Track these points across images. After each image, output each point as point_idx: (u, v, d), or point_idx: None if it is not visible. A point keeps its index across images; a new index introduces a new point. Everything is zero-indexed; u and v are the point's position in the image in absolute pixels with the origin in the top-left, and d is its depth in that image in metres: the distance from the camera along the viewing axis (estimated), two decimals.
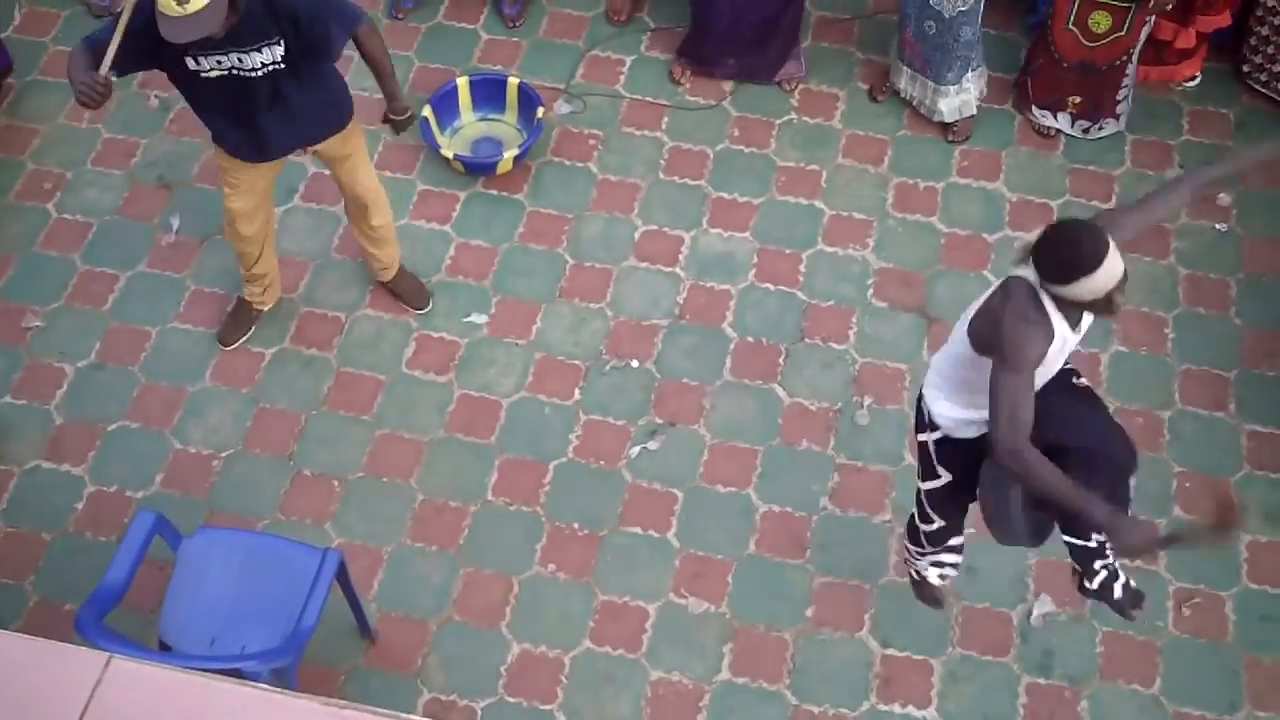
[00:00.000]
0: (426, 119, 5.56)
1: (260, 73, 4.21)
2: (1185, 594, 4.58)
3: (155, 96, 5.85)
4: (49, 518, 4.78)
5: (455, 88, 5.70)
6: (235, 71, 4.19)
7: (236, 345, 5.14)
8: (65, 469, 4.89)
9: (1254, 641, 4.50)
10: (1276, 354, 5.10)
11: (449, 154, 5.49)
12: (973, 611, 4.55)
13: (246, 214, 4.76)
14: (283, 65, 4.21)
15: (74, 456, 4.91)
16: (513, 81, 5.69)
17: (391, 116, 4.67)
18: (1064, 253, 3.26)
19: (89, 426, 4.98)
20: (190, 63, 4.14)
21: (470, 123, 5.75)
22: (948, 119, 5.64)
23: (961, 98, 5.58)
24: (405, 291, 5.25)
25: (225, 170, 4.68)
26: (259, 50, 4.14)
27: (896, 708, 4.38)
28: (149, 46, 4.02)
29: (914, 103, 5.72)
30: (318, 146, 4.63)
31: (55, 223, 5.51)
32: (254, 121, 4.41)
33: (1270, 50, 5.54)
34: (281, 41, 4.14)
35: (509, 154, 5.49)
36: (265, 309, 5.17)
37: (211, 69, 4.17)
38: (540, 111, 5.59)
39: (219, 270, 5.35)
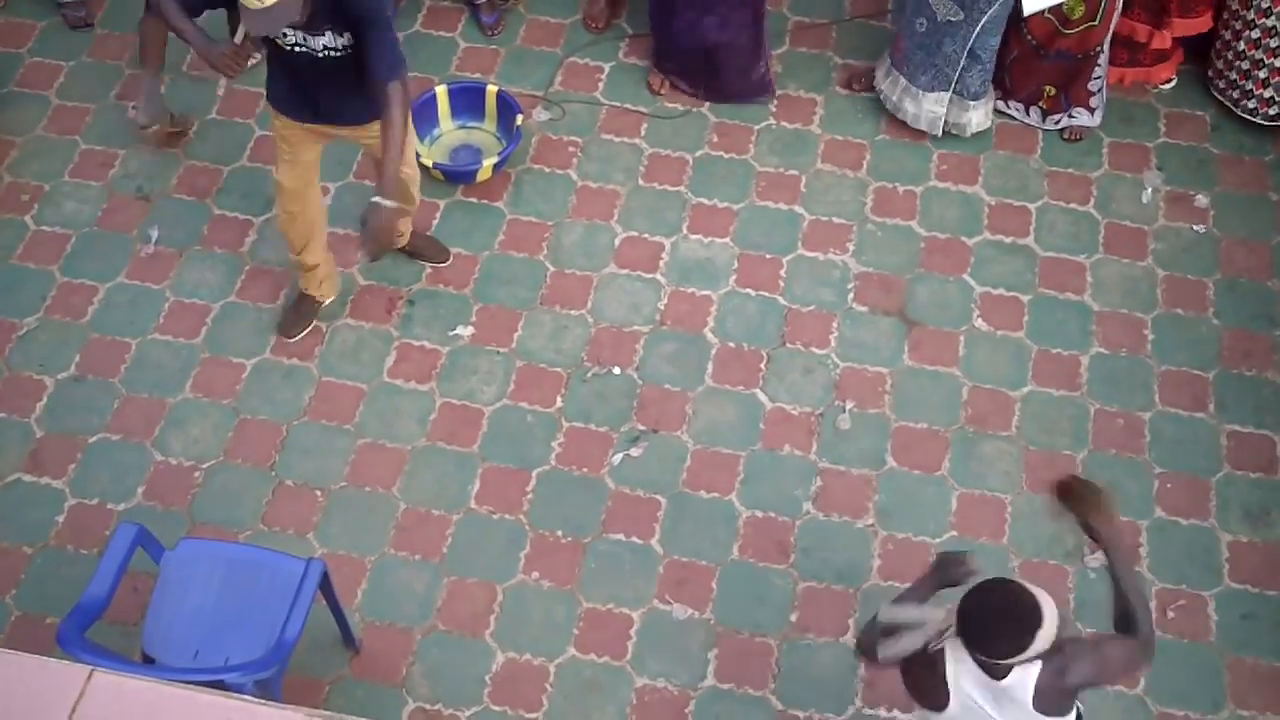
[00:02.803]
0: None
1: (323, 54, 4.30)
2: (1169, 596, 4.60)
3: (134, 108, 5.82)
4: (30, 531, 4.75)
5: (434, 96, 5.70)
6: (299, 48, 4.29)
7: (298, 338, 5.18)
8: (46, 482, 4.87)
9: (1236, 641, 4.52)
10: (1254, 354, 5.12)
11: (428, 162, 5.48)
12: None
13: (295, 192, 4.79)
14: (339, 54, 4.31)
15: (55, 469, 4.89)
16: (491, 89, 5.69)
17: (377, 201, 4.30)
18: (992, 629, 3.05)
19: (69, 439, 4.96)
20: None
21: (449, 131, 5.74)
22: (911, 123, 5.66)
23: (930, 108, 5.58)
24: (426, 248, 5.36)
25: (278, 135, 4.72)
26: (323, 34, 4.26)
27: (882, 712, 4.38)
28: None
29: (884, 101, 5.73)
30: (367, 127, 4.60)
31: (33, 235, 5.49)
32: (312, 87, 4.48)
33: (1230, 56, 5.56)
34: (346, 32, 4.25)
35: (488, 162, 5.49)
36: (327, 301, 5.21)
37: (281, 37, 4.28)
38: (519, 119, 5.59)
39: (198, 282, 5.34)
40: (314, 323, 5.20)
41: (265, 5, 3.97)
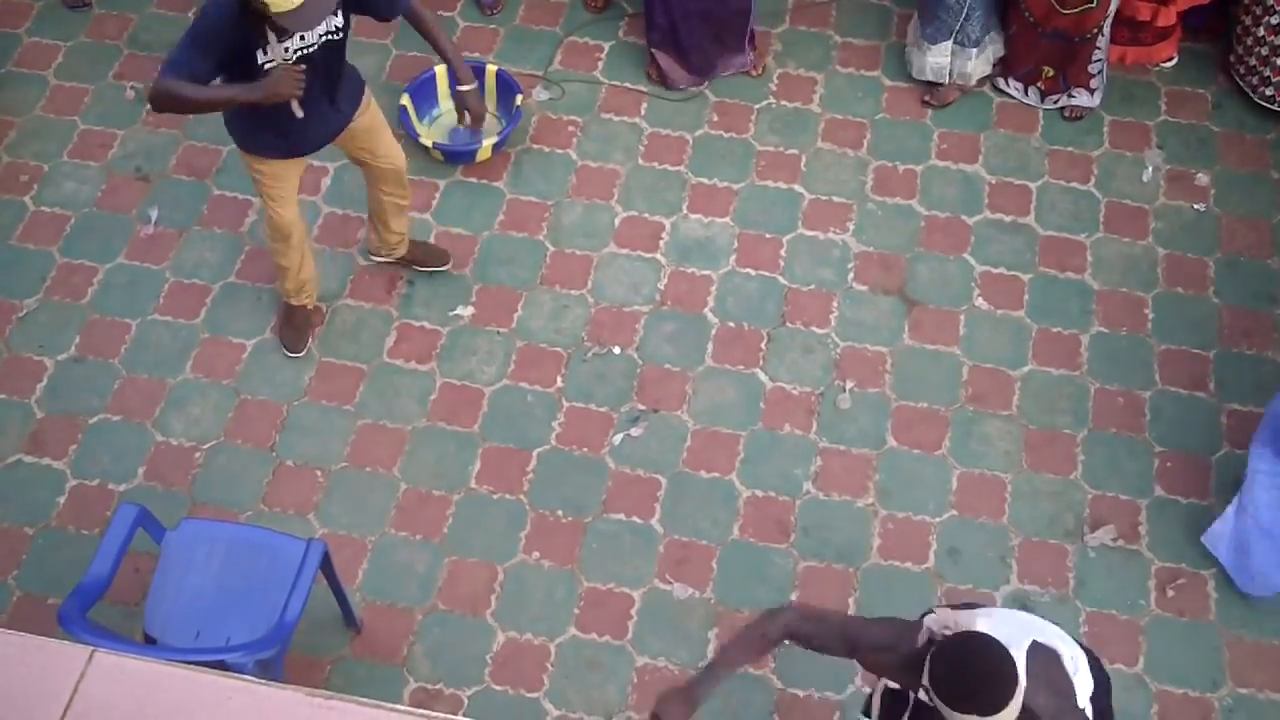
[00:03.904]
0: (404, 108, 5.55)
1: (316, 47, 4.17)
2: (1169, 574, 4.60)
3: (131, 88, 5.82)
4: (31, 512, 4.76)
5: (433, 76, 5.68)
6: (297, 51, 4.14)
7: (308, 349, 5.12)
8: (46, 463, 4.87)
9: (1236, 620, 4.52)
10: (1255, 332, 5.12)
11: (428, 142, 5.48)
12: (956, 593, 4.56)
13: (294, 220, 4.74)
14: (338, 35, 4.22)
15: (55, 450, 4.89)
16: (491, 69, 5.67)
17: (461, 89, 4.57)
18: (966, 684, 2.86)
19: (70, 420, 4.96)
20: (260, 55, 4.09)
21: (449, 111, 5.72)
22: (916, 74, 5.70)
23: (934, 59, 5.60)
24: (426, 256, 5.29)
25: (265, 181, 4.60)
26: (336, 14, 4.17)
27: None
28: (224, 48, 4.02)
29: (906, 58, 5.79)
30: (352, 125, 4.58)
31: (33, 215, 5.49)
32: (330, 81, 4.37)
33: (1250, 42, 5.54)
34: (340, 10, 4.17)
35: (488, 142, 5.48)
36: (312, 303, 5.14)
37: (273, 58, 4.11)
38: (519, 99, 5.58)
39: (198, 262, 5.34)
40: (316, 328, 5.17)
41: (295, 4, 3.85)
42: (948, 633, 3.08)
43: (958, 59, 5.60)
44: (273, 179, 4.60)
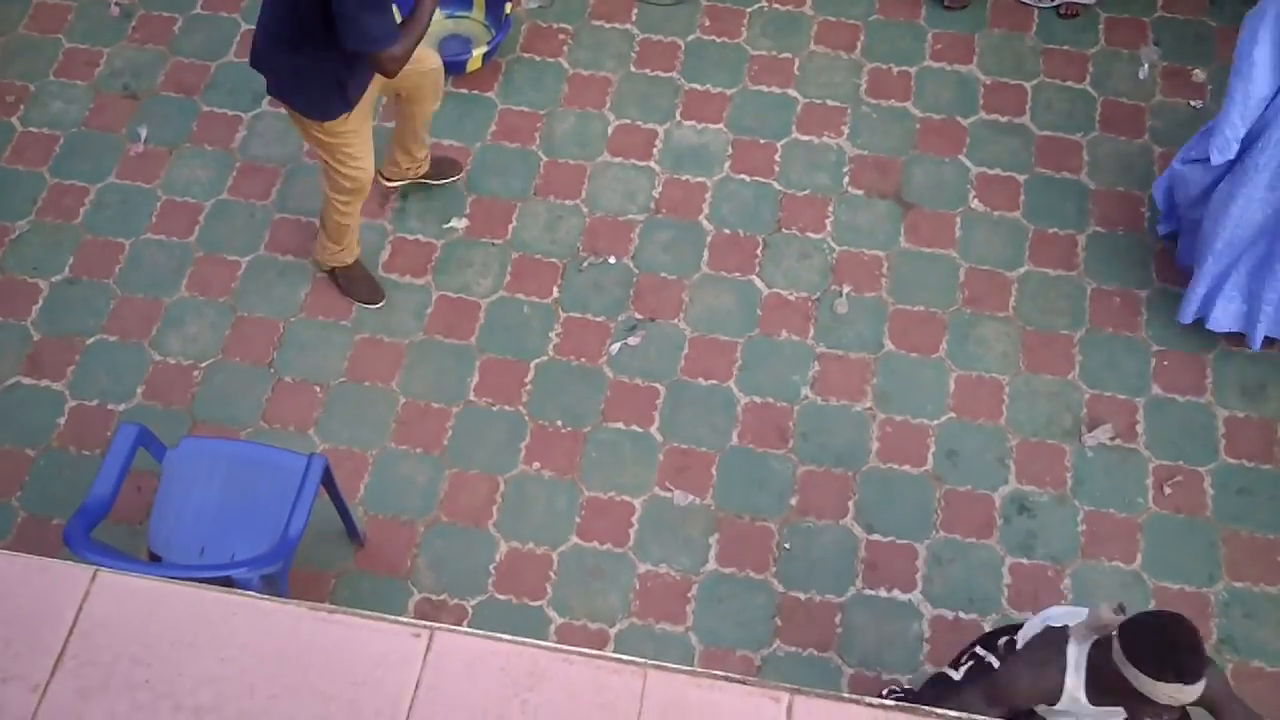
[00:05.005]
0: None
1: None
2: (1166, 472, 4.63)
3: (116, 5, 5.75)
4: (32, 434, 4.77)
5: None
6: None
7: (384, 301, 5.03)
8: (45, 384, 4.88)
9: (1232, 515, 4.56)
10: None
11: None
12: (955, 495, 4.59)
13: (369, 170, 4.61)
14: None
15: (53, 372, 4.90)
16: None
17: None
18: (1177, 654, 3.08)
19: (67, 341, 4.96)
20: None
21: (437, 21, 5.65)
22: None
23: None
24: (442, 168, 5.24)
25: (348, 140, 4.44)
26: None
27: (882, 592, 4.44)
28: None
29: None
30: None
31: (20, 136, 5.44)
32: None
33: None
34: None
35: (478, 52, 5.43)
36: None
37: None
38: (508, 7, 5.51)
39: (190, 180, 5.31)
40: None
41: None
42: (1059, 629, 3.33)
43: None
44: (354, 135, 4.45)
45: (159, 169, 5.35)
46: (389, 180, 5.18)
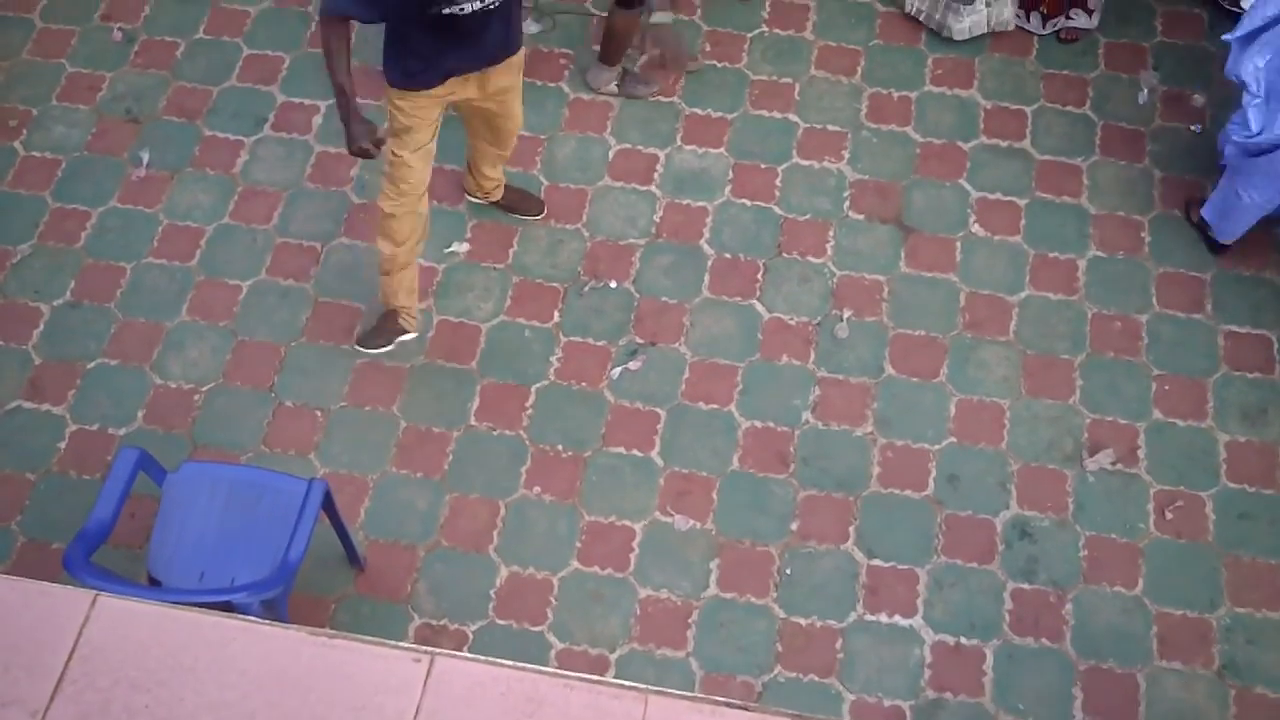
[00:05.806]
0: None
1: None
2: (1167, 497, 4.62)
3: (119, 29, 5.77)
4: (32, 458, 4.77)
5: None
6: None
7: (383, 348, 4.94)
8: (46, 408, 4.87)
9: (1233, 540, 4.55)
10: (1252, 254, 5.11)
11: None
12: (956, 519, 4.58)
13: (423, 179, 4.56)
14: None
15: (54, 395, 4.90)
16: None
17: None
18: None
19: (68, 365, 4.96)
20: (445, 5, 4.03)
21: None
22: (957, 37, 5.61)
23: (972, 18, 5.56)
24: (522, 203, 5.23)
25: (410, 117, 4.40)
26: None
27: (883, 617, 4.43)
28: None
29: (923, 19, 5.68)
30: (496, 67, 4.41)
31: (23, 160, 5.45)
32: (467, 44, 4.24)
33: None
34: None
35: None
36: (411, 328, 4.94)
37: (467, 5, 4.04)
38: None
39: (191, 204, 5.31)
40: (395, 341, 4.95)
41: None
42: None
43: (994, 6, 5.57)
44: (412, 117, 4.42)
45: (161, 193, 5.36)
46: (469, 194, 5.24)
